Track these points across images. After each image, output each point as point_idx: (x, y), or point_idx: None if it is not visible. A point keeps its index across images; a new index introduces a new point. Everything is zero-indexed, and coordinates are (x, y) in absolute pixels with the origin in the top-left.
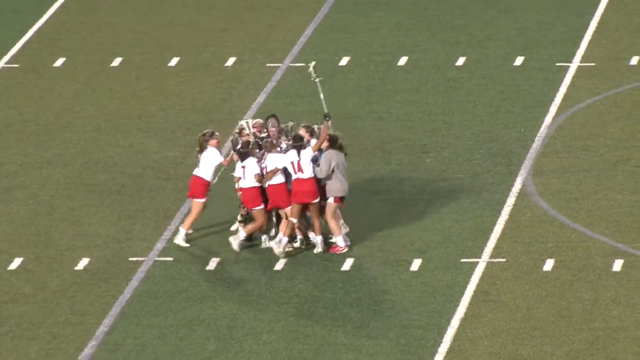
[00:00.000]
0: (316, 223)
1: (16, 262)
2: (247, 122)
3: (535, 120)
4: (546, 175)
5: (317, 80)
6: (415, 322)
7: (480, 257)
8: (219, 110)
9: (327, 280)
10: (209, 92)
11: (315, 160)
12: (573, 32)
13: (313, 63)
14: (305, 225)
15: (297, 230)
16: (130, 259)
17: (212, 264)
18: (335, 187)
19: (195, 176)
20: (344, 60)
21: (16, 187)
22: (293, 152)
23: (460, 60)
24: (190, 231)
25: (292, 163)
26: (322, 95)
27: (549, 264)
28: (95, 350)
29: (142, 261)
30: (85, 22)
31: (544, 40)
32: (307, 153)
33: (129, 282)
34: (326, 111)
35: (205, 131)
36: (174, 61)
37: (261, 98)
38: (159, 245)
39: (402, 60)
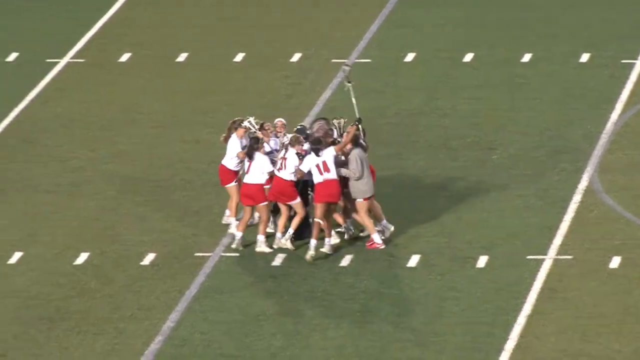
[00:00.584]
0: (329, 224)
1: (82, 257)
2: (249, 121)
3: (601, 117)
4: (612, 172)
5: (349, 84)
6: (481, 319)
7: (546, 254)
8: (284, 106)
9: (393, 277)
10: (275, 87)
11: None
12: (639, 29)
13: (348, 68)
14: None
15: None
16: (197, 254)
17: (278, 259)
18: (363, 189)
19: (221, 164)
20: (410, 57)
21: (82, 182)
22: (312, 155)
23: (526, 57)
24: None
25: (317, 165)
26: (354, 100)
27: (615, 261)
28: (162, 346)
29: (208, 257)
30: (151, 17)
31: (609, 37)
32: (330, 152)
33: (195, 278)
34: (358, 116)
35: (236, 118)
36: (239, 57)
37: (327, 94)
38: (225, 240)
39: (468, 57)
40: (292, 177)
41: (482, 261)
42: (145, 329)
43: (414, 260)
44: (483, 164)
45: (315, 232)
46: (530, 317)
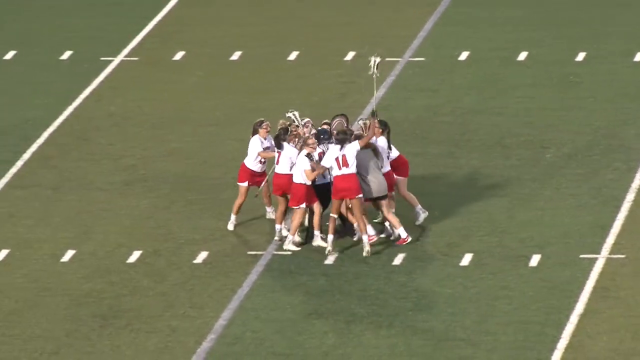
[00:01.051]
0: (361, 220)
1: (135, 255)
2: (294, 114)
3: None
4: None
5: (375, 75)
6: (533, 318)
7: (599, 253)
8: (337, 104)
9: (446, 275)
10: (328, 86)
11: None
12: None
13: (378, 59)
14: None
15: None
16: (249, 252)
17: (331, 258)
18: (365, 188)
19: (242, 163)
20: (464, 55)
21: (135, 180)
22: (335, 147)
23: (580, 56)
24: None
25: (336, 158)
26: (375, 92)
27: None
28: (214, 344)
29: (261, 255)
30: (205, 15)
31: None
32: (354, 147)
33: (248, 276)
34: (374, 109)
35: (259, 119)
36: (293, 55)
37: (380, 92)
38: (278, 238)
39: (522, 55)
40: (301, 179)
41: (534, 260)
42: (198, 327)
43: (466, 259)
44: (536, 163)
45: (331, 227)
46: (582, 316)
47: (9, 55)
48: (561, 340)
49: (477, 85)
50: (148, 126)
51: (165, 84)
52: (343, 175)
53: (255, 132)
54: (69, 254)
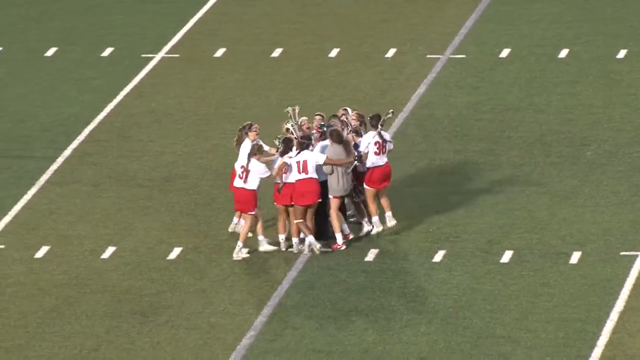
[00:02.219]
0: (371, 207)
1: (175, 252)
2: (293, 109)
3: None
4: None
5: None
6: (574, 315)
7: (639, 250)
8: (379, 101)
9: (486, 272)
10: (369, 83)
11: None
12: None
13: (297, 108)
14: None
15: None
16: (289, 249)
17: (371, 255)
18: (335, 187)
19: (234, 169)
20: (505, 52)
21: (176, 177)
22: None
23: (622, 53)
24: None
25: (297, 162)
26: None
27: None
28: (253, 341)
29: (301, 252)
30: (245, 12)
31: None
32: (315, 157)
33: (287, 273)
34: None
35: (244, 124)
36: (334, 52)
37: (421, 89)
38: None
39: (563, 53)
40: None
41: (575, 257)
42: (237, 324)
43: (506, 256)
44: (577, 160)
45: (294, 230)
46: (622, 314)
47: (50, 51)
48: (601, 338)
49: (518, 82)
50: (189, 123)
51: (206, 80)
52: (303, 180)
53: (241, 137)
54: (109, 250)
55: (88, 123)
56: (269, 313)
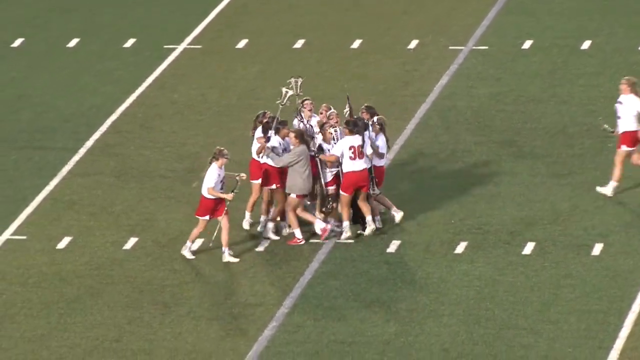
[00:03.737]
0: (344, 212)
1: (197, 243)
2: (296, 81)
3: None
4: None
5: (281, 105)
6: (596, 306)
7: None
8: (401, 92)
9: (507, 264)
10: (391, 74)
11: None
12: None
13: (290, 92)
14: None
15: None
16: (311, 240)
17: (393, 246)
18: (300, 186)
19: (252, 158)
20: (527, 44)
21: (198, 168)
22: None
23: None
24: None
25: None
26: (281, 105)
27: None
28: (275, 332)
29: (323, 243)
30: (267, 4)
31: None
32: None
33: (310, 264)
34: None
35: (258, 112)
36: (356, 43)
37: (443, 80)
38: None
39: (586, 44)
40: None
41: (597, 249)
42: (259, 315)
43: (529, 248)
44: (599, 152)
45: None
46: None
47: (72, 42)
48: (623, 329)
49: (540, 73)
50: (211, 114)
51: (228, 72)
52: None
53: (256, 125)
54: (131, 241)
55: (110, 114)
56: (290, 304)
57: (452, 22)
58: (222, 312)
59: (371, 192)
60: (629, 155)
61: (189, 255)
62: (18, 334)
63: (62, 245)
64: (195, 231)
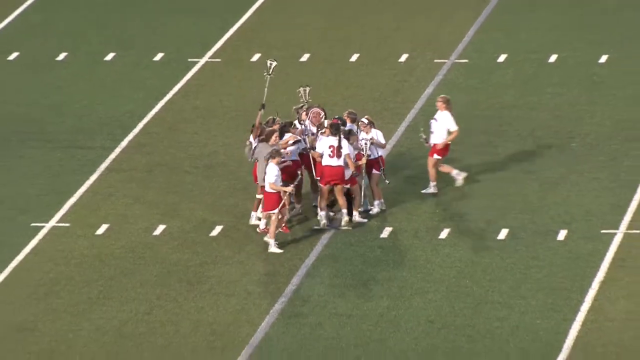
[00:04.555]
0: (321, 202)
1: (217, 229)
2: (304, 89)
3: None
4: None
5: (269, 76)
6: (560, 284)
7: (618, 229)
8: (393, 99)
9: (484, 248)
10: (384, 84)
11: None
12: None
13: (274, 63)
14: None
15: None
16: (315, 227)
17: (386, 232)
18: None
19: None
20: (502, 58)
21: (217, 164)
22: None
23: (603, 58)
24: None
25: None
26: (266, 90)
27: None
28: (285, 306)
29: (326, 230)
30: (278, 22)
31: None
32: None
33: (314, 247)
34: (264, 102)
35: (268, 118)
36: (354, 57)
37: (429, 90)
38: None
39: (552, 58)
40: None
41: (562, 235)
42: (271, 291)
43: (502, 234)
44: (564, 151)
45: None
46: (602, 283)
47: (109, 56)
48: (584, 304)
49: (513, 84)
50: (228, 118)
51: (244, 81)
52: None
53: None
54: (160, 228)
55: (142, 118)
56: (298, 282)
57: (437, 39)
58: (238, 289)
59: (386, 182)
60: (437, 162)
61: (277, 250)
62: (62, 308)
63: (100, 231)
64: (272, 228)
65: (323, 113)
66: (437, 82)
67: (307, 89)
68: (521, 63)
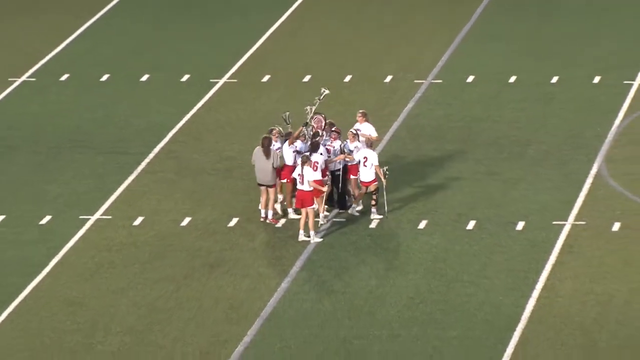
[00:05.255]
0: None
1: (234, 221)
2: (311, 108)
3: (608, 123)
4: (615, 162)
5: (318, 100)
6: (519, 266)
7: (567, 221)
8: (379, 113)
9: (456, 236)
10: (373, 100)
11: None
12: (636, 58)
13: (327, 92)
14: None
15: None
16: (315, 219)
17: (374, 223)
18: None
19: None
20: (470, 79)
21: (234, 167)
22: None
23: (554, 79)
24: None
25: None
26: (314, 111)
27: (616, 226)
28: (289, 284)
29: (324, 222)
30: (284, 48)
31: (616, 65)
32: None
33: (314, 237)
34: (307, 121)
35: (269, 128)
36: (347, 78)
37: (410, 105)
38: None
39: (512, 79)
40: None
41: (520, 225)
42: (278, 273)
43: (471, 225)
44: (523, 156)
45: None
46: (553, 266)
47: (144, 77)
48: (539, 283)
49: (480, 100)
50: (244, 129)
51: (257, 99)
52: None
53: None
54: (186, 220)
55: (171, 129)
56: (300, 265)
57: (417, 62)
58: (251, 271)
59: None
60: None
61: (319, 240)
62: (105, 287)
63: (136, 222)
64: (311, 222)
65: (324, 120)
66: (416, 99)
67: (313, 107)
68: (486, 83)
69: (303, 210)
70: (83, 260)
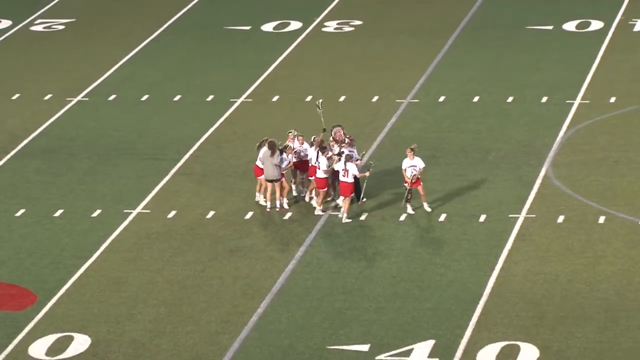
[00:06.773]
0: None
1: (249, 214)
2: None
3: (553, 134)
4: (559, 166)
5: (320, 110)
6: (481, 251)
7: (520, 214)
8: (367, 127)
9: (430, 227)
10: (362, 116)
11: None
12: (575, 83)
13: (321, 100)
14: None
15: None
16: (316, 213)
17: (364, 216)
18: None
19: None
20: (441, 98)
21: (250, 170)
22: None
23: (510, 99)
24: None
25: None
26: (322, 118)
27: (560, 219)
28: (295, 266)
29: (322, 215)
30: (289, 74)
31: (562, 86)
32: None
33: (314, 226)
34: (324, 127)
35: (263, 139)
36: (342, 98)
37: (392, 120)
38: (333, 204)
39: (476, 99)
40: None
41: (482, 218)
42: (285, 256)
43: (442, 217)
44: (484, 161)
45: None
46: (510, 251)
47: (177, 97)
48: (497, 264)
49: (449, 116)
50: (258, 139)
51: (268, 116)
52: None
53: (261, 145)
54: (211, 213)
55: (198, 139)
56: (304, 250)
57: (398, 85)
58: (264, 255)
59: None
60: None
61: (348, 220)
62: (144, 267)
63: (170, 215)
64: (347, 207)
65: (342, 130)
66: (398, 114)
67: (320, 113)
68: (454, 102)
69: (347, 198)
70: (126, 246)
